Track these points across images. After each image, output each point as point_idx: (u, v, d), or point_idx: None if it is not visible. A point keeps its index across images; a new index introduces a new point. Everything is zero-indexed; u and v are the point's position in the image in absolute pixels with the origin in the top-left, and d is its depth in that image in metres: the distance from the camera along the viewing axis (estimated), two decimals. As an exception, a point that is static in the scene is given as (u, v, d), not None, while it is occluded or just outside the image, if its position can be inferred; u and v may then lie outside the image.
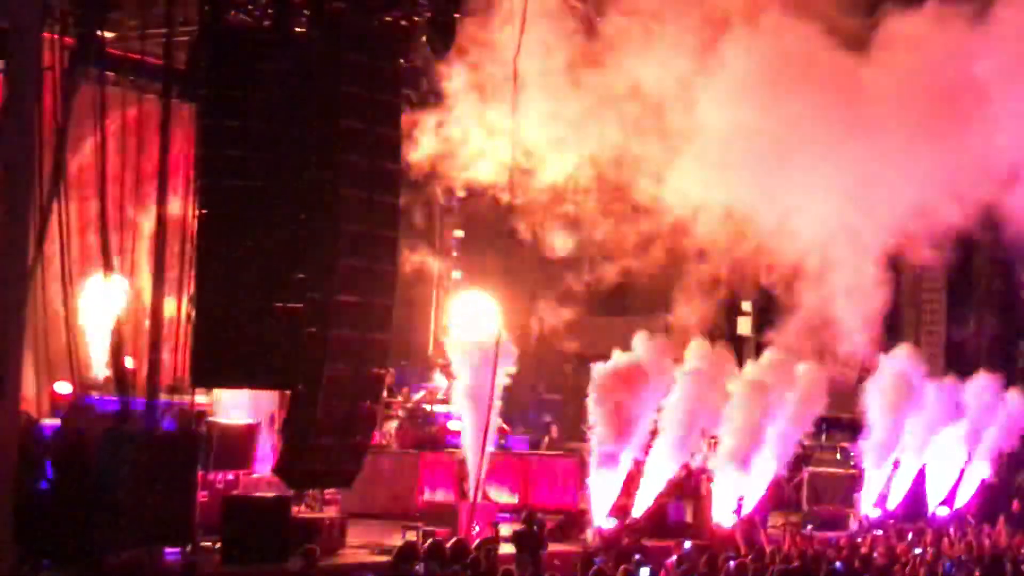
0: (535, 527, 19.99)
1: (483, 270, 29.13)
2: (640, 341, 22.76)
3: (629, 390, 22.11)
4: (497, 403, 21.67)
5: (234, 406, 21.80)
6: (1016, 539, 23.12)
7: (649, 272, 25.12)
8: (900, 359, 27.46)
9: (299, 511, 20.16)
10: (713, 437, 23.97)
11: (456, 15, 20.26)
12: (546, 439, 29.14)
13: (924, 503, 28.16)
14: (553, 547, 20.52)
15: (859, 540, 22.27)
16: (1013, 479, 29.79)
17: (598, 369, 22.29)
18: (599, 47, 22.78)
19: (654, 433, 22.65)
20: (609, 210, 24.10)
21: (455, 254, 30.90)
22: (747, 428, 23.48)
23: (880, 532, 23.93)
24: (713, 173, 23.20)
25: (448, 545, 17.29)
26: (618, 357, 22.50)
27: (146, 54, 20.05)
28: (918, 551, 20.92)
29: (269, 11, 19.10)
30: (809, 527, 23.39)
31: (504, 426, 25.66)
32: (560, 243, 24.83)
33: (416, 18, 20.14)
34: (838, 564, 18.41)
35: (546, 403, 31.51)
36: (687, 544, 20.18)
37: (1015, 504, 27.20)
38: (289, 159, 18.73)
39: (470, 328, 26.83)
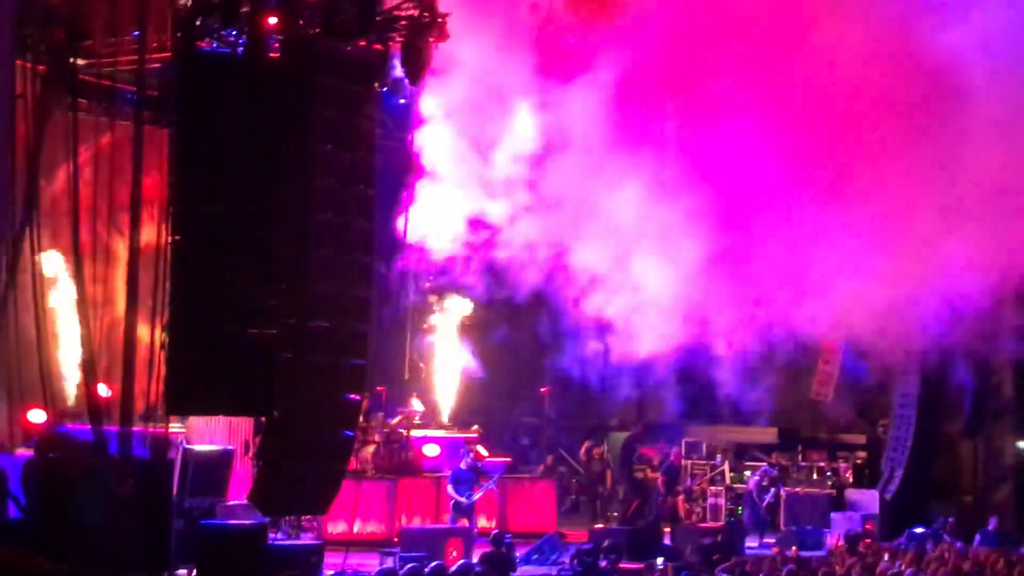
0: (503, 548, 19.98)
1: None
2: None
3: None
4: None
5: (209, 433, 21.71)
6: (992, 556, 23.12)
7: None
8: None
9: (275, 538, 20.07)
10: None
11: (430, 40, 20.24)
12: (541, 467, 29.00)
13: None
14: (525, 569, 20.51)
15: (836, 560, 22.24)
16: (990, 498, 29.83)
17: None
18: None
19: None
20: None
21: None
22: None
23: (857, 551, 23.89)
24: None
25: (426, 571, 17.23)
26: None
27: (118, 81, 20.00)
28: (895, 570, 20.90)
29: (242, 37, 19.07)
30: (793, 548, 23.30)
31: (481, 450, 25.62)
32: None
33: (390, 43, 20.12)
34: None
35: (523, 426, 31.42)
36: (660, 562, 20.13)
37: (991, 522, 27.20)
38: (262, 184, 18.65)
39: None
